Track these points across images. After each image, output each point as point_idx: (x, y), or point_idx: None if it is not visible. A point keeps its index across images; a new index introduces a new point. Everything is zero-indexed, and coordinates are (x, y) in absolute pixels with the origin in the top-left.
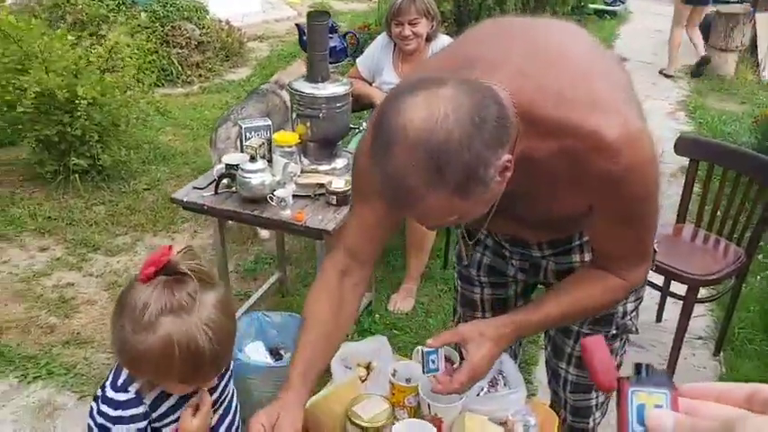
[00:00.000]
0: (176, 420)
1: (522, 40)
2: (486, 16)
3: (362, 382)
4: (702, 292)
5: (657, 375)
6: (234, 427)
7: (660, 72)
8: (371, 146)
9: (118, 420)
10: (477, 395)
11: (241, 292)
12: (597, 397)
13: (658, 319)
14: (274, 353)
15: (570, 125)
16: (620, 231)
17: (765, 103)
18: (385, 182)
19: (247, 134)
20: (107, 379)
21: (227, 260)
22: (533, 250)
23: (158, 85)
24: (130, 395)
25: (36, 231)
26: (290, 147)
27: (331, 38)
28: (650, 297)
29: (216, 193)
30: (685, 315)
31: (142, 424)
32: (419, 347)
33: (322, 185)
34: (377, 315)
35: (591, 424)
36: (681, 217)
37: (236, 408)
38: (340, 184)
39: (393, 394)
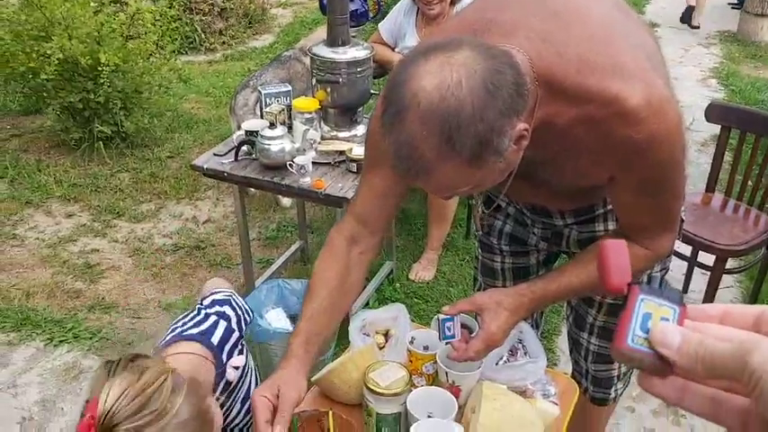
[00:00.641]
0: None
1: (541, 1)
2: None
3: (380, 349)
4: (731, 263)
5: (670, 291)
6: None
7: (682, 21)
8: (383, 113)
9: None
10: (497, 364)
11: (263, 259)
12: (620, 367)
13: (685, 290)
14: (295, 319)
15: (591, 91)
16: (644, 201)
17: None
18: (396, 150)
19: (267, 100)
20: None
21: (248, 228)
22: (555, 218)
23: (181, 53)
24: None
25: (62, 198)
26: (309, 113)
27: (352, 1)
28: (677, 268)
29: (236, 159)
30: (713, 286)
31: None
32: (437, 315)
33: (342, 153)
34: (398, 284)
35: (612, 395)
36: (710, 186)
37: (256, 381)
38: (360, 151)
39: (411, 362)
